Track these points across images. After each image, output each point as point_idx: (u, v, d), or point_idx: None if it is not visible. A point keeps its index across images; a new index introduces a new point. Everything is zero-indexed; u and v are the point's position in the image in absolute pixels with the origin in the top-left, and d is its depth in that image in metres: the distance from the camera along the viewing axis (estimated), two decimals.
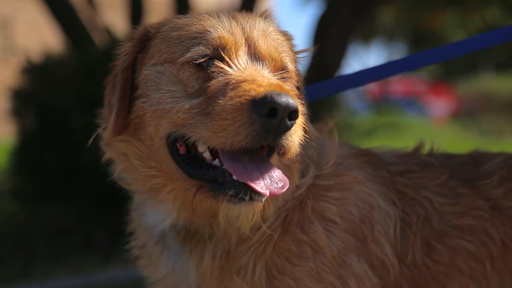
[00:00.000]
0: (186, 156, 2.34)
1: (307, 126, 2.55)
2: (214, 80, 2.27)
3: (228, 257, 2.51)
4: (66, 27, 9.10)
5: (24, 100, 8.30)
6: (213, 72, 2.30)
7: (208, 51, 2.33)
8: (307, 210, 2.54)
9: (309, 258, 2.48)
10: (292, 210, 2.54)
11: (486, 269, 2.62)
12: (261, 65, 2.36)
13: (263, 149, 2.27)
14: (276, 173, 2.25)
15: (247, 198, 2.19)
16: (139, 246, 2.74)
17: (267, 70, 2.35)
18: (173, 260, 2.59)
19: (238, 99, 2.15)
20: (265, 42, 2.41)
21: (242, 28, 2.40)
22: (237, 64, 2.31)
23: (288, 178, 2.47)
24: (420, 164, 2.77)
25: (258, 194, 2.18)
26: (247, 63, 2.33)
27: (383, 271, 2.55)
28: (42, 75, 8.19)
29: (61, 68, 8.11)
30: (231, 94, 2.17)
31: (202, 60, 2.33)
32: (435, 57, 2.87)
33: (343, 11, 8.68)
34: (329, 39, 8.55)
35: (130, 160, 2.51)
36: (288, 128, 2.16)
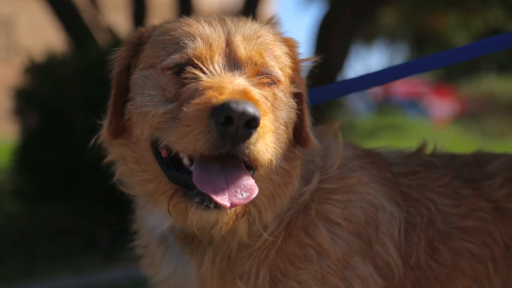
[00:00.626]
0: (167, 159, 2.35)
1: (309, 136, 2.54)
2: (187, 86, 2.28)
3: (230, 262, 2.51)
4: (69, 26, 9.11)
5: (26, 100, 8.30)
6: (187, 78, 2.31)
7: (182, 60, 2.34)
8: (311, 213, 2.53)
9: (313, 261, 2.47)
10: (296, 215, 2.53)
11: (489, 270, 2.62)
12: (238, 70, 2.34)
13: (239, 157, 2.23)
14: (245, 183, 2.23)
15: (211, 206, 2.19)
16: (143, 246, 2.75)
17: (243, 76, 2.33)
18: (174, 262, 2.60)
19: (199, 106, 2.16)
20: (247, 46, 2.39)
21: (228, 32, 2.40)
22: (212, 70, 2.31)
23: (287, 183, 2.49)
24: (424, 164, 2.77)
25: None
26: (224, 69, 2.32)
27: (388, 273, 2.55)
28: (45, 74, 8.20)
29: (64, 68, 8.11)
30: (195, 101, 2.18)
31: (177, 68, 2.35)
32: (438, 61, 2.87)
33: (345, 12, 8.68)
34: (332, 40, 8.56)
35: (128, 164, 2.54)
36: (246, 136, 2.14)
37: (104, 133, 2.55)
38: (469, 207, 2.67)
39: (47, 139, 7.81)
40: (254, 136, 2.16)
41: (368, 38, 39.67)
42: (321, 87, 2.90)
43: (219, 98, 2.14)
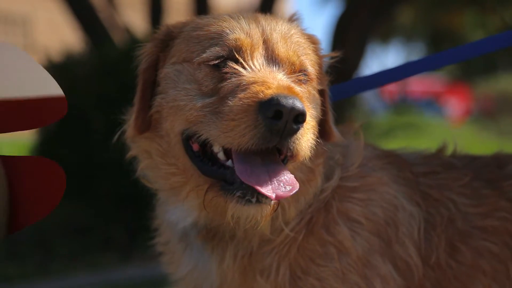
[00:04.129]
0: (199, 153, 2.36)
1: (332, 129, 2.58)
2: (228, 81, 2.28)
3: (251, 258, 2.52)
4: (86, 26, 9.16)
5: None
6: (227, 73, 2.31)
7: (223, 53, 2.35)
8: (332, 211, 2.54)
9: (334, 259, 2.48)
10: (317, 212, 2.54)
11: (509, 270, 2.61)
12: (277, 67, 2.35)
13: (277, 152, 2.27)
14: (286, 177, 2.24)
15: (254, 200, 2.19)
16: (163, 243, 2.76)
17: (283, 73, 2.34)
18: (195, 258, 2.60)
19: (246, 101, 2.16)
20: (284, 45, 2.40)
21: (263, 30, 2.41)
22: (252, 65, 2.31)
23: (311, 180, 2.50)
24: (444, 165, 2.77)
25: (265, 197, 2.17)
26: (263, 65, 2.33)
27: (407, 273, 2.55)
28: (62, 73, 8.22)
29: (81, 67, 8.15)
30: (241, 95, 2.18)
31: (217, 61, 2.35)
32: (453, 57, 2.87)
33: (361, 11, 8.68)
34: (348, 39, 8.56)
35: (152, 157, 2.54)
36: (294, 131, 2.15)
37: (130, 129, 2.55)
38: (489, 207, 2.66)
39: (64, 138, 7.85)
40: (300, 131, 2.18)
41: (385, 37, 39.54)
42: (335, 86, 2.91)
43: (266, 92, 2.15)
